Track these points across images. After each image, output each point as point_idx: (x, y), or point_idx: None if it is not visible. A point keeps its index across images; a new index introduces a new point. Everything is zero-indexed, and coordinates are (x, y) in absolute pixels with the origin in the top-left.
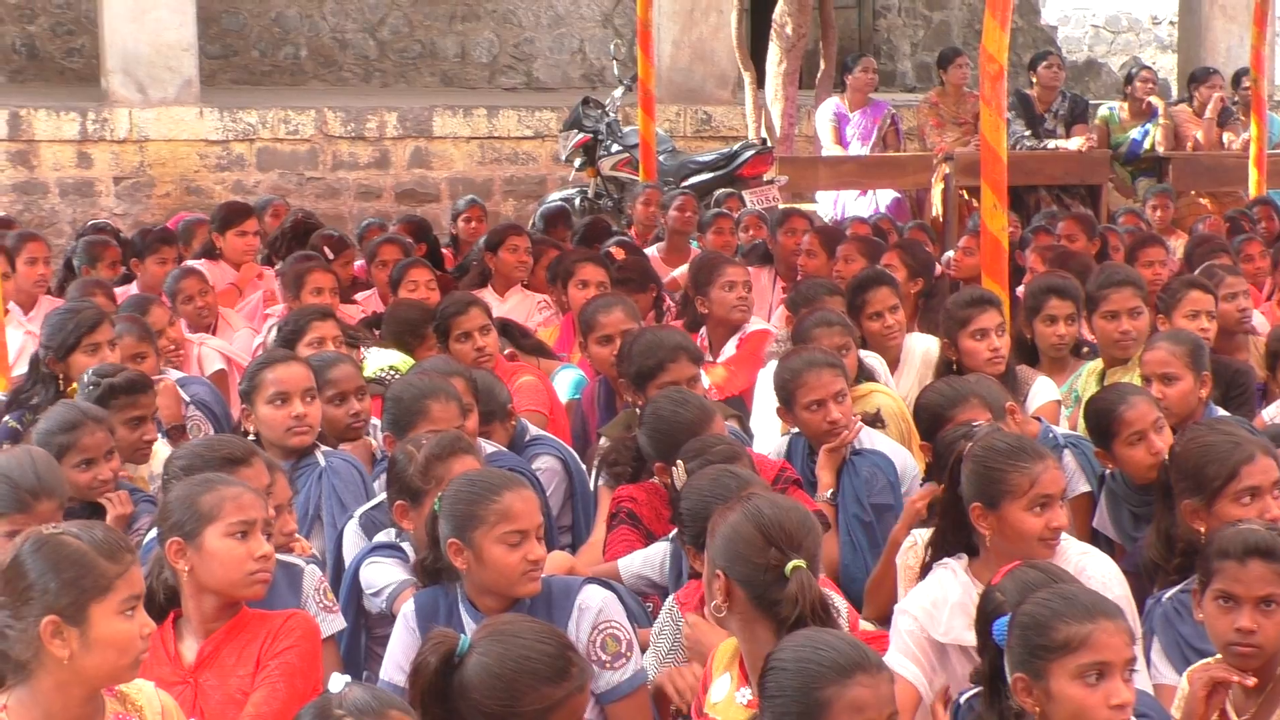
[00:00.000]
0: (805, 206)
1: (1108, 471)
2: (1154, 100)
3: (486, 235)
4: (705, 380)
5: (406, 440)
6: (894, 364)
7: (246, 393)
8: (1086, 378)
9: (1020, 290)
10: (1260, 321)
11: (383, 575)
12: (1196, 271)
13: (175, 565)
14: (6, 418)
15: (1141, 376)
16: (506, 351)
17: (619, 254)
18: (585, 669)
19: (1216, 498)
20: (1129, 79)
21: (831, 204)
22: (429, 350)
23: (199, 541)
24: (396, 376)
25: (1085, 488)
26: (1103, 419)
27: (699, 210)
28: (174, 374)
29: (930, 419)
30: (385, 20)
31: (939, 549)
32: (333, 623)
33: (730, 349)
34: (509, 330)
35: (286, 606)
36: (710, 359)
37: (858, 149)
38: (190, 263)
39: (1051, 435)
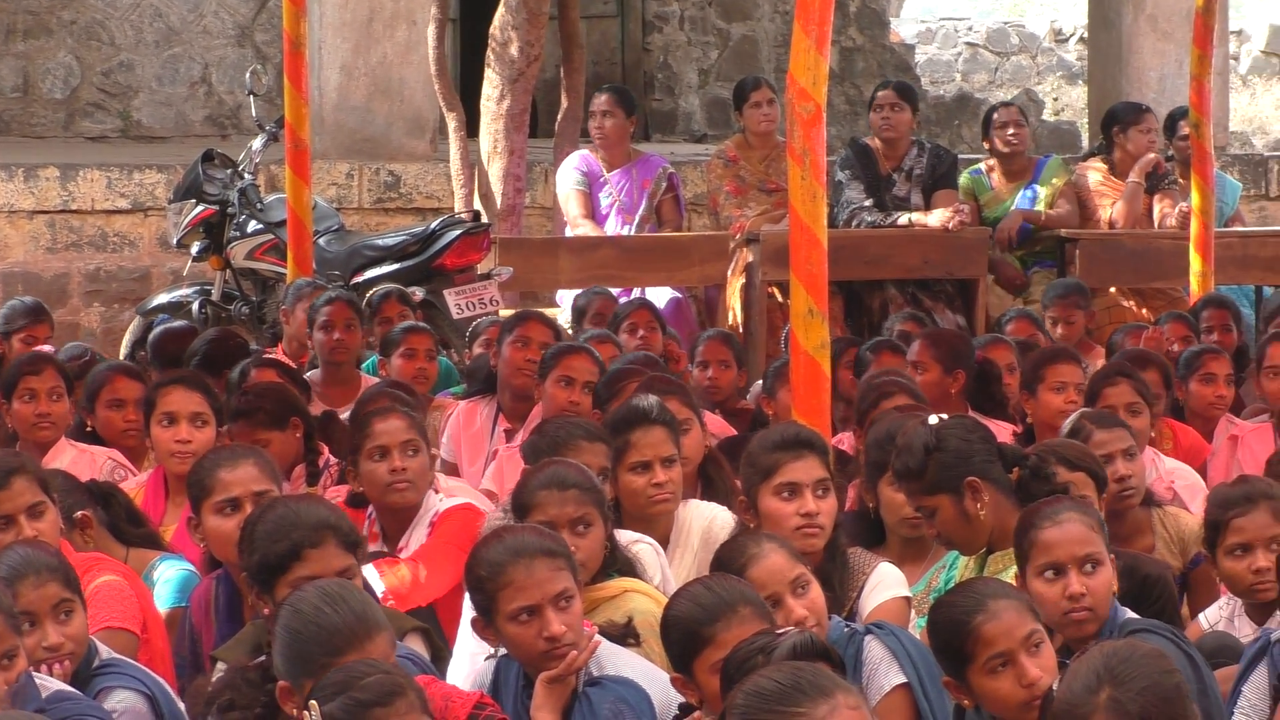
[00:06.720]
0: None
1: (965, 706)
2: (1030, 151)
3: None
4: (378, 584)
5: None
6: (662, 542)
7: None
8: (962, 571)
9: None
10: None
11: None
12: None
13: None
14: None
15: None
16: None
17: (261, 376)
18: None
19: None
20: (986, 124)
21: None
22: None
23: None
24: None
25: (899, 680)
26: (953, 635)
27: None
28: None
29: (683, 640)
30: None
31: None
32: None
33: (421, 534)
34: (112, 505)
35: None
36: (386, 548)
37: (616, 226)
38: None
39: (845, 628)
